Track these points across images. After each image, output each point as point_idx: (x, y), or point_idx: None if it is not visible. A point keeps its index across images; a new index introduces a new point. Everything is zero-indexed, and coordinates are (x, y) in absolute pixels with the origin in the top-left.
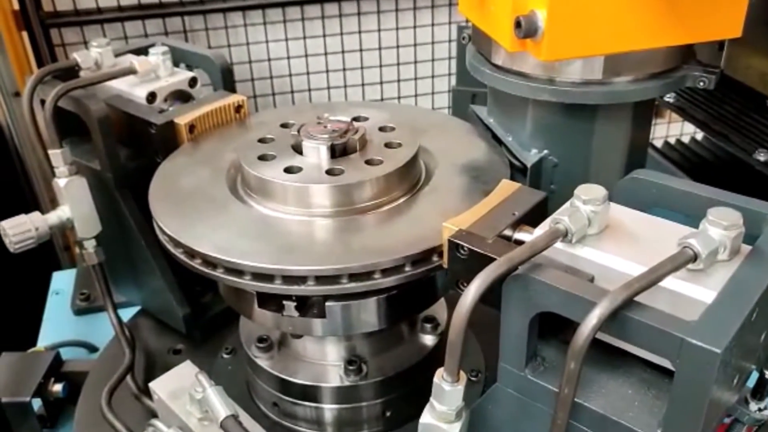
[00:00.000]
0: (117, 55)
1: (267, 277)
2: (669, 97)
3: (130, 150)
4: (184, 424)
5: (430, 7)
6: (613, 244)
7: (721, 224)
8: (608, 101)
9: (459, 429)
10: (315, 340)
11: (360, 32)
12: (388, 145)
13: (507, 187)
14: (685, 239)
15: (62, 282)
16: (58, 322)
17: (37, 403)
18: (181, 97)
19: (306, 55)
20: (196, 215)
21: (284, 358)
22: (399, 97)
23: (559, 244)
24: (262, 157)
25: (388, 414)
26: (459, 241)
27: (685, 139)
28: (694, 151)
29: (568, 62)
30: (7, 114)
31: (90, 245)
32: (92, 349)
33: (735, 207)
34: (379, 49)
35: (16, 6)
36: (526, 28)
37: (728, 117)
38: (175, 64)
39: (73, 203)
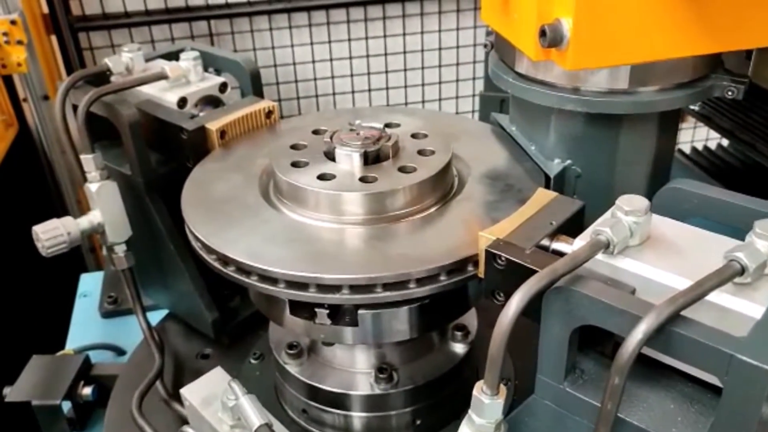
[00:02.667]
0: (147, 59)
1: (301, 285)
2: (695, 105)
3: (161, 155)
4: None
5: (455, 11)
6: (655, 256)
7: None
8: (634, 111)
9: None
10: (345, 348)
11: (385, 36)
12: (421, 152)
13: (543, 195)
14: (731, 252)
15: (90, 284)
16: (86, 325)
17: (66, 406)
18: (212, 102)
19: (331, 59)
20: (230, 222)
21: (314, 364)
22: (423, 101)
23: (599, 256)
24: (295, 164)
25: (418, 422)
26: (497, 251)
27: (711, 144)
28: (722, 158)
29: (593, 71)
30: (36, 117)
31: (120, 249)
32: (120, 352)
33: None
34: (404, 53)
35: (46, 10)
36: (551, 37)
37: (755, 126)
38: (204, 68)
39: (104, 208)
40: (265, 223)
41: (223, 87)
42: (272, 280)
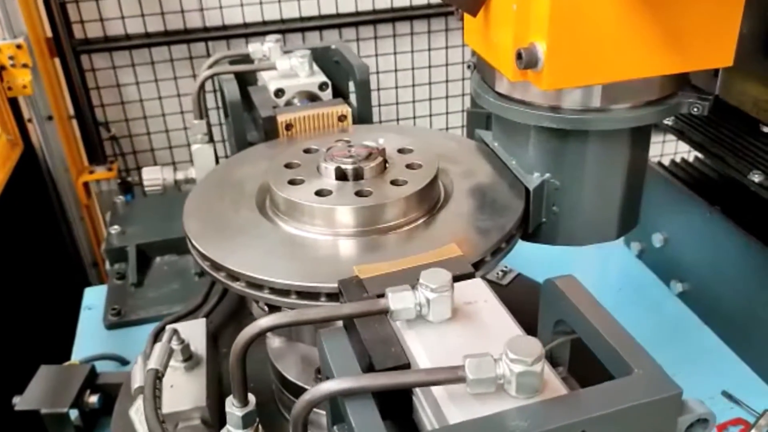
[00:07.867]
0: (287, 51)
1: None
2: (668, 120)
3: (257, 131)
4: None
5: (444, 30)
6: (439, 337)
7: (510, 356)
8: (606, 127)
9: None
10: (308, 345)
11: (377, 55)
12: (393, 182)
13: (448, 251)
14: (467, 357)
15: (93, 298)
16: (91, 337)
17: (73, 414)
18: (310, 97)
19: None
20: (216, 196)
21: (288, 348)
22: (414, 117)
23: (397, 322)
24: (288, 165)
25: None
26: (341, 288)
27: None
28: (700, 170)
29: (567, 90)
30: (40, 137)
31: None
32: (123, 362)
33: (607, 348)
34: (395, 71)
35: (50, 34)
36: (526, 60)
37: (724, 140)
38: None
39: (198, 165)
40: (236, 205)
41: (323, 85)
42: (214, 262)
